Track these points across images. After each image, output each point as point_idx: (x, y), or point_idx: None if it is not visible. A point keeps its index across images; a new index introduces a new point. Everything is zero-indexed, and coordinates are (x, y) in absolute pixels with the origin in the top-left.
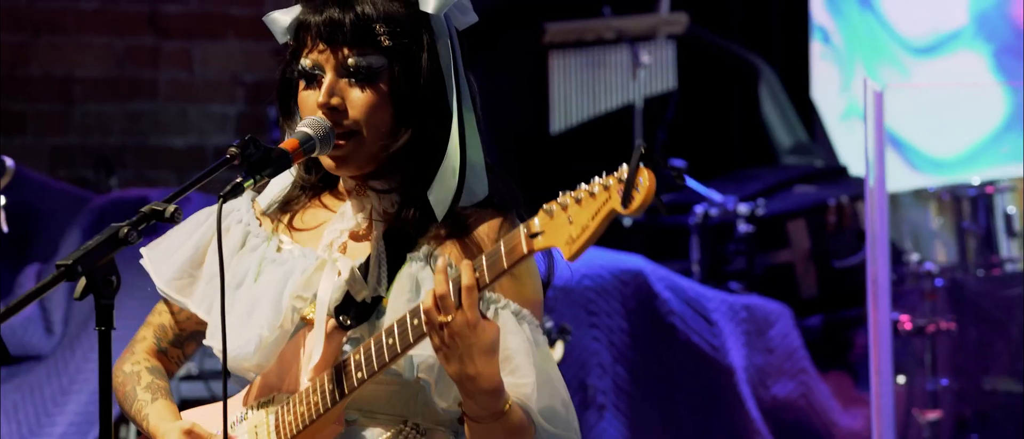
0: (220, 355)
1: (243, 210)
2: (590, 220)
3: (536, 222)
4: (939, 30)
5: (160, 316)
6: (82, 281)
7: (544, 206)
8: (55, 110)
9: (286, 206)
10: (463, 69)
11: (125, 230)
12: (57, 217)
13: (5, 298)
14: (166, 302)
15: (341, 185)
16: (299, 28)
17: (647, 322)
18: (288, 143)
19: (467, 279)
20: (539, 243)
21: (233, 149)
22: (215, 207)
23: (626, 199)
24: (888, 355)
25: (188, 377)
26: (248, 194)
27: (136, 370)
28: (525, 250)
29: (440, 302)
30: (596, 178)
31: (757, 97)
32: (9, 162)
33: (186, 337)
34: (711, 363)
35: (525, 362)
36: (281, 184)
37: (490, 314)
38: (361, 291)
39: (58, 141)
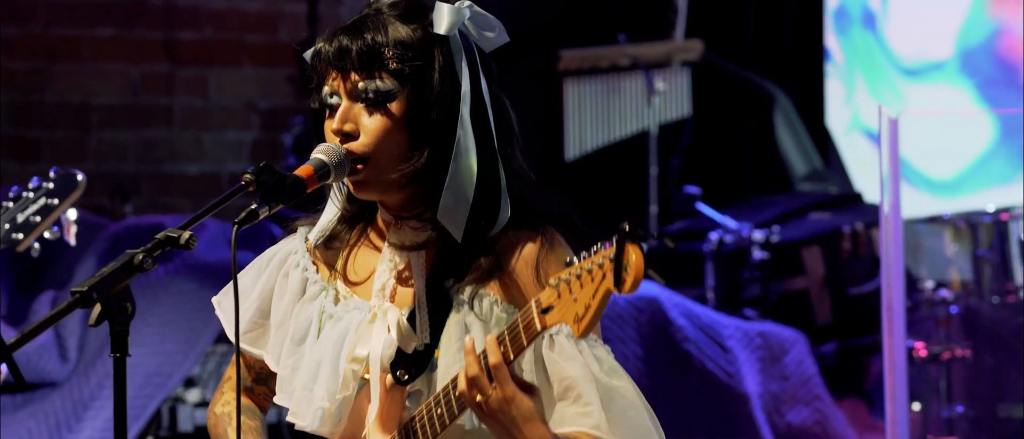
0: (292, 420)
1: (300, 253)
2: (591, 299)
3: (545, 297)
4: (925, 57)
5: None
6: (97, 308)
7: (550, 280)
8: (70, 137)
9: (331, 241)
10: (487, 89)
11: (140, 257)
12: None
13: (20, 324)
14: None
15: (380, 221)
16: (315, 58)
17: (662, 349)
18: (303, 170)
19: (494, 358)
20: (551, 318)
21: (248, 176)
22: (275, 249)
23: (618, 280)
24: (903, 382)
25: (203, 404)
26: (302, 232)
27: (228, 410)
28: (539, 327)
29: (474, 383)
30: (595, 251)
31: (772, 124)
32: (81, 176)
33: (267, 375)
34: (726, 390)
35: (588, 388)
36: (330, 216)
37: (545, 342)
38: (411, 343)
39: (73, 168)
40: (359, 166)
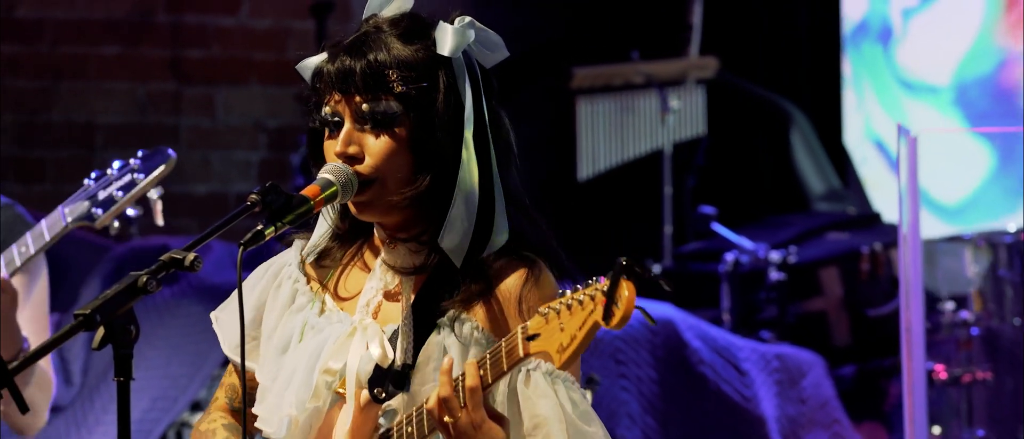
0: (260, 426)
1: (294, 264)
2: (578, 330)
3: (532, 324)
4: (925, 78)
5: (230, 376)
6: (100, 331)
7: (540, 309)
8: (76, 156)
9: (323, 256)
10: (488, 108)
11: (144, 279)
12: (77, 266)
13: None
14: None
15: (376, 239)
16: (316, 77)
17: (677, 372)
18: (309, 190)
19: (471, 380)
20: (534, 346)
21: (254, 196)
22: (271, 262)
23: (607, 313)
24: (923, 405)
25: None
26: (297, 245)
27: (212, 428)
28: (521, 354)
29: (444, 404)
30: (587, 284)
31: (788, 143)
32: (172, 152)
33: (256, 395)
34: (742, 413)
35: (557, 428)
36: (322, 231)
37: (521, 377)
38: (388, 360)
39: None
40: (364, 187)
